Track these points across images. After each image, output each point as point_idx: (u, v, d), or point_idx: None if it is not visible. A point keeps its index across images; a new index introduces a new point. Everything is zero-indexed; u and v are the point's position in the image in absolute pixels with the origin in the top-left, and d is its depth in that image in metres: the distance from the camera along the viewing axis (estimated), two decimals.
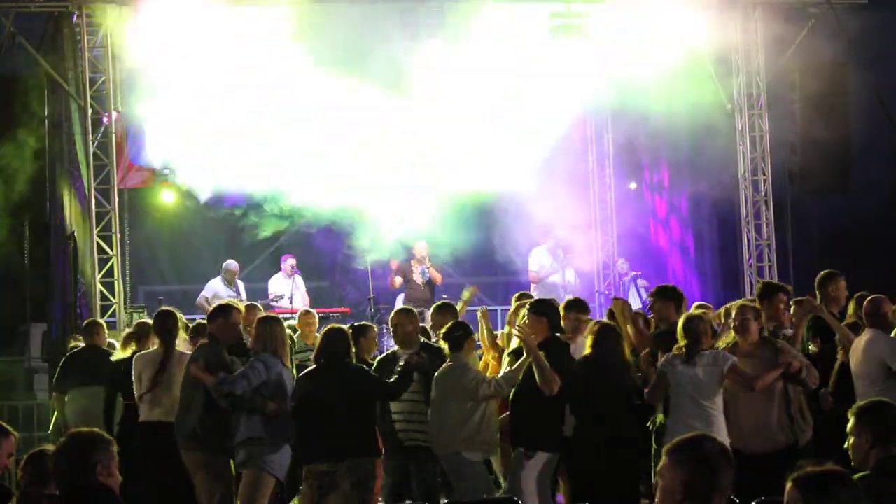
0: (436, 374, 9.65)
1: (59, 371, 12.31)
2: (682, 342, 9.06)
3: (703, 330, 9.11)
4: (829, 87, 17.57)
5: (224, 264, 17.94)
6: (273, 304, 17.20)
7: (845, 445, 6.00)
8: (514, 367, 9.40)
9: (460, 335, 9.69)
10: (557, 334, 9.63)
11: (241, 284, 18.03)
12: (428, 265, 17.93)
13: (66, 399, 12.03)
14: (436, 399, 9.61)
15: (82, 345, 12.70)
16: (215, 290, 17.64)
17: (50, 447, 5.85)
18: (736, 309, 9.53)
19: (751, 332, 9.24)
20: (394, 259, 18.08)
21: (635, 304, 19.39)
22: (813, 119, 17.56)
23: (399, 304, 17.08)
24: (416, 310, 11.27)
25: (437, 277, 18.04)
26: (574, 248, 19.17)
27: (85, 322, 12.87)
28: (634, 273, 19.95)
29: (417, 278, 17.82)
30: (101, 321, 13.40)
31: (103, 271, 16.56)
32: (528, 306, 9.77)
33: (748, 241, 18.18)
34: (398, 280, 17.82)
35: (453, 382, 9.49)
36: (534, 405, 9.20)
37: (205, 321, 10.79)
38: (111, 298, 16.55)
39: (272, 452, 9.17)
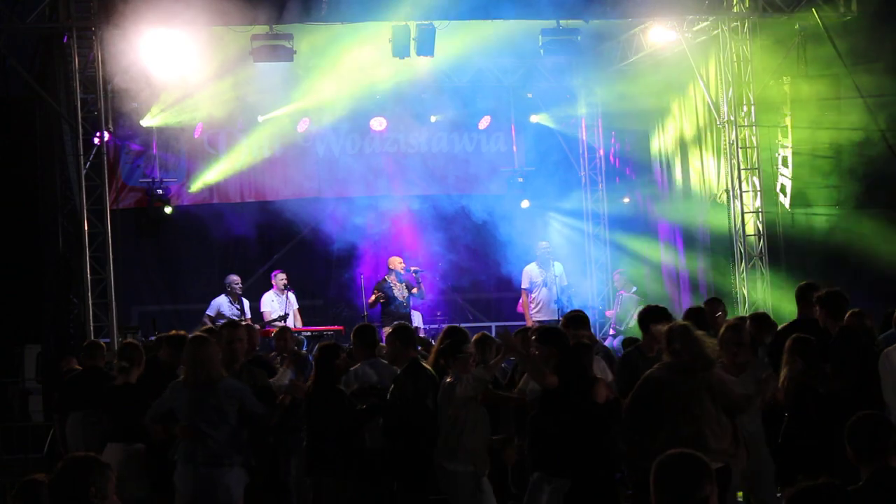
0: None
1: (59, 393, 12.27)
2: None
3: None
4: (818, 100, 17.60)
5: (225, 279, 17.94)
6: (277, 324, 17.21)
7: None
8: (488, 365, 9.47)
9: (450, 345, 9.66)
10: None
11: (246, 302, 18.03)
12: (418, 278, 17.91)
13: (67, 421, 11.99)
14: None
15: (78, 366, 12.69)
16: (219, 308, 17.65)
17: (41, 476, 5.79)
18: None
19: None
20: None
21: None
22: (803, 132, 17.59)
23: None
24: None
25: (422, 292, 18.07)
26: (562, 263, 19.21)
27: (84, 343, 12.81)
28: (635, 287, 19.99)
29: (399, 295, 17.77)
30: (101, 342, 13.35)
31: (96, 292, 16.54)
32: (533, 337, 9.59)
33: (740, 254, 18.20)
34: (374, 297, 17.83)
35: (444, 397, 9.51)
36: (553, 426, 8.97)
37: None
38: (104, 319, 16.53)
39: None
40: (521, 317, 18.83)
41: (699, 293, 18.90)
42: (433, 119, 21.12)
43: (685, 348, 8.34)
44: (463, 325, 18.78)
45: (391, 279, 17.85)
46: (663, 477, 4.69)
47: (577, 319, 10.54)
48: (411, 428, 9.58)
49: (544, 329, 9.96)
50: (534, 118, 21.97)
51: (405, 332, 10.18)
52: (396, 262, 18.04)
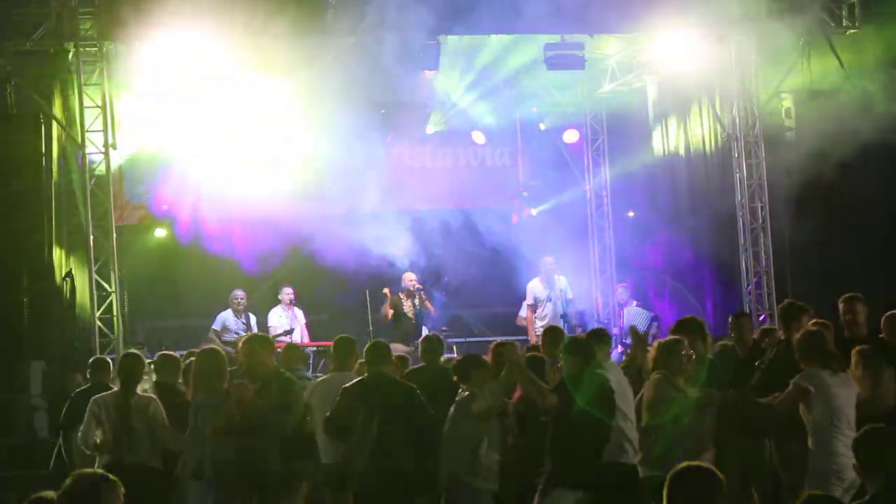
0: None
1: (66, 409, 12.24)
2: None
3: None
4: (824, 114, 17.61)
5: (230, 295, 17.97)
6: (283, 338, 17.21)
7: None
8: (499, 379, 9.51)
9: (468, 365, 9.70)
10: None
11: (252, 317, 18.02)
12: (424, 297, 17.89)
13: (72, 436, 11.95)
14: (445, 430, 9.63)
15: (84, 382, 12.68)
16: (224, 322, 17.68)
17: (49, 493, 5.76)
18: None
19: None
20: (388, 287, 17.99)
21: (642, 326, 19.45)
22: (809, 146, 17.59)
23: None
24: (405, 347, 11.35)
25: (431, 309, 18.02)
26: (568, 277, 19.18)
27: (91, 359, 12.81)
28: (635, 301, 19.99)
29: (409, 311, 17.76)
30: (107, 358, 13.37)
31: (102, 308, 16.55)
32: (562, 346, 9.65)
33: (747, 268, 18.18)
34: (390, 312, 17.78)
35: (459, 412, 9.53)
36: (557, 437, 9.06)
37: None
38: (110, 335, 16.54)
39: None
40: (525, 331, 18.77)
41: (706, 307, 18.89)
42: (436, 133, 21.14)
43: None
44: (468, 339, 19.05)
45: (402, 294, 17.88)
46: (677, 489, 4.72)
47: (598, 335, 10.44)
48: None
49: (573, 339, 9.98)
50: (538, 132, 21.97)
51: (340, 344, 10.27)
52: (406, 278, 18.06)
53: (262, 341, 9.70)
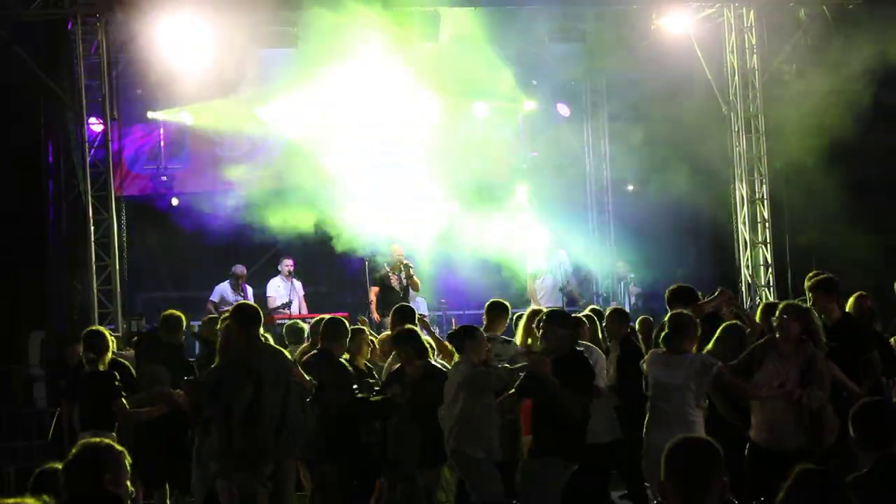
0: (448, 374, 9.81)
1: (69, 380, 12.23)
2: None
3: (693, 330, 9.03)
4: (824, 87, 17.59)
5: (232, 268, 17.97)
6: (281, 311, 17.21)
7: None
8: (511, 367, 9.53)
9: (459, 336, 9.79)
10: (579, 348, 9.28)
11: (249, 289, 18.02)
12: (410, 272, 17.67)
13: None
14: (447, 400, 9.68)
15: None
16: (222, 294, 17.68)
17: (56, 465, 5.77)
18: (781, 308, 9.17)
19: (791, 334, 8.98)
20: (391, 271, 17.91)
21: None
22: (809, 119, 17.57)
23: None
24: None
25: (416, 284, 17.81)
26: (569, 249, 19.18)
27: (86, 331, 12.78)
28: (631, 275, 20.00)
29: (395, 284, 17.57)
30: (104, 329, 13.35)
31: (101, 279, 16.55)
32: (543, 319, 9.58)
33: (744, 241, 18.18)
34: (374, 290, 17.71)
35: (458, 381, 9.58)
36: (543, 413, 9.02)
37: None
38: (109, 306, 16.54)
39: None
40: (526, 304, 18.75)
41: (703, 281, 18.89)
42: (437, 106, 21.07)
43: None
44: (466, 311, 19.04)
45: (389, 267, 17.76)
46: (675, 461, 4.72)
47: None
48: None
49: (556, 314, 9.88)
50: (538, 106, 21.91)
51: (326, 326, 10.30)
52: (394, 251, 17.93)
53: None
